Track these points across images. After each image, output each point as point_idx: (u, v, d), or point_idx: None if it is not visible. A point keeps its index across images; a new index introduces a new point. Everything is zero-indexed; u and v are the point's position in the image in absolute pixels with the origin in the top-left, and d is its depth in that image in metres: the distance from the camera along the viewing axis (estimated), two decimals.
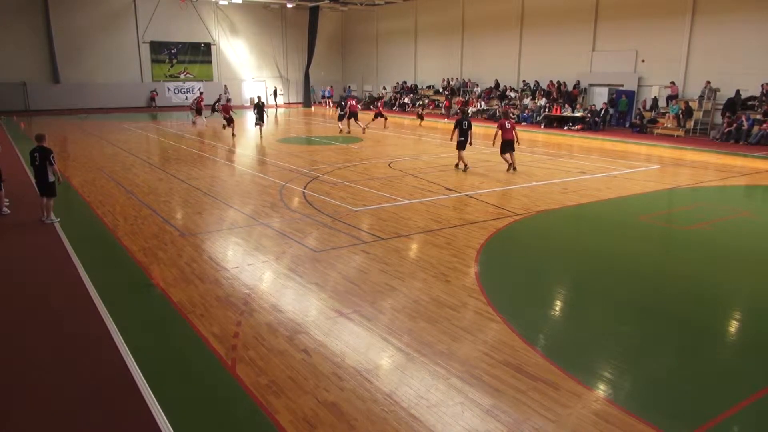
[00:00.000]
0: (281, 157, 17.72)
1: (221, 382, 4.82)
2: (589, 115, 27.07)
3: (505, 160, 15.05)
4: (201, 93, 30.75)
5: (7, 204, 10.94)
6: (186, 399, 4.61)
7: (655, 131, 25.05)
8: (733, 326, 6.30)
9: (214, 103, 30.34)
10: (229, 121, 23.38)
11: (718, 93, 23.92)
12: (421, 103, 36.95)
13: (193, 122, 28.63)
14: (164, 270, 7.48)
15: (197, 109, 28.53)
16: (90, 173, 14.78)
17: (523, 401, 4.48)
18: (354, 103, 26.55)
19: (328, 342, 5.48)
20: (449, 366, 5.01)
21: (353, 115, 24.90)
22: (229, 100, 30.07)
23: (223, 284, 7.04)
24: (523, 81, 32.48)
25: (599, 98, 28.44)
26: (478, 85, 35.38)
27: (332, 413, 4.32)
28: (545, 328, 6.03)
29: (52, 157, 9.59)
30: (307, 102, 44.71)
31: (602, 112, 26.99)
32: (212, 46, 42.72)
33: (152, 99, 40.00)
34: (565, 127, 27.35)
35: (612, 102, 27.48)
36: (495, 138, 14.86)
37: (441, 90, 37.87)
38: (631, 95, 27.29)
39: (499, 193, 12.38)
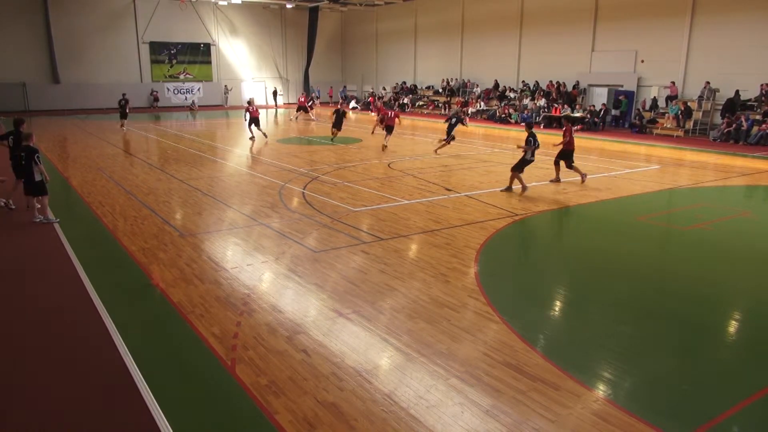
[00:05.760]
0: (280, 158, 17.72)
1: (221, 383, 4.82)
2: (588, 115, 27.08)
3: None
4: (308, 93, 34.40)
5: (5, 202, 10.97)
6: (185, 399, 4.61)
7: (655, 131, 25.07)
8: (733, 326, 6.30)
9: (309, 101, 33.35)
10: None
11: (717, 93, 23.94)
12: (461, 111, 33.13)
13: (294, 119, 30.46)
14: (164, 270, 7.48)
15: (303, 108, 31.19)
16: (90, 173, 14.78)
17: (522, 402, 4.48)
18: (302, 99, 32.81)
19: (328, 342, 5.48)
20: (449, 366, 5.01)
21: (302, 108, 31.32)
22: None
23: (223, 284, 7.04)
24: (523, 81, 32.49)
25: (599, 99, 28.46)
26: (477, 86, 35.40)
27: (332, 413, 4.32)
28: (545, 329, 6.03)
29: (37, 157, 9.59)
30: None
31: (601, 112, 27.00)
32: (212, 47, 42.73)
33: (155, 99, 40.07)
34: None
35: (616, 103, 27.44)
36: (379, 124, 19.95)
37: (441, 90, 37.89)
38: (630, 95, 27.31)
39: (498, 193, 12.37)
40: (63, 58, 36.60)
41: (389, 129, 19.75)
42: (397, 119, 20.13)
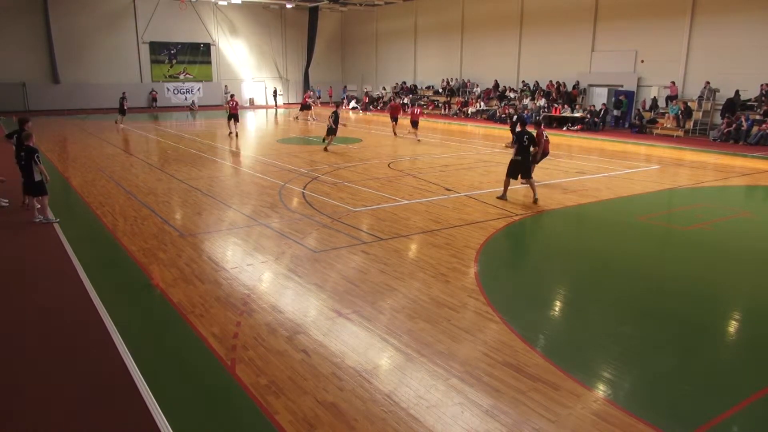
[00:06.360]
0: (280, 158, 17.71)
1: (220, 383, 4.82)
2: (588, 115, 27.09)
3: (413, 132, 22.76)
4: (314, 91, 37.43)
5: (6, 202, 10.97)
6: (185, 399, 4.61)
7: (655, 131, 25.07)
8: (733, 326, 6.30)
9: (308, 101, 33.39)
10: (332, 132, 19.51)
11: (717, 93, 23.95)
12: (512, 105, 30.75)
13: (296, 117, 31.73)
14: (164, 270, 7.47)
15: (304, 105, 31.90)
16: (90, 173, 14.77)
17: (522, 402, 4.48)
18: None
19: (328, 342, 5.47)
20: (449, 366, 5.01)
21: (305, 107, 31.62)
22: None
23: (223, 284, 7.03)
24: (523, 81, 32.49)
25: (599, 99, 28.46)
26: (477, 86, 35.39)
27: (332, 413, 4.32)
28: (545, 329, 6.02)
29: (37, 157, 9.58)
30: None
31: (602, 112, 27.00)
32: (212, 47, 42.73)
33: (153, 99, 40.11)
34: (565, 128, 27.37)
35: (618, 104, 27.41)
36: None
37: (441, 90, 37.88)
38: (630, 95, 27.31)
39: (498, 193, 12.36)
40: (63, 58, 36.60)
41: (414, 124, 22.70)
42: (421, 116, 23.38)
